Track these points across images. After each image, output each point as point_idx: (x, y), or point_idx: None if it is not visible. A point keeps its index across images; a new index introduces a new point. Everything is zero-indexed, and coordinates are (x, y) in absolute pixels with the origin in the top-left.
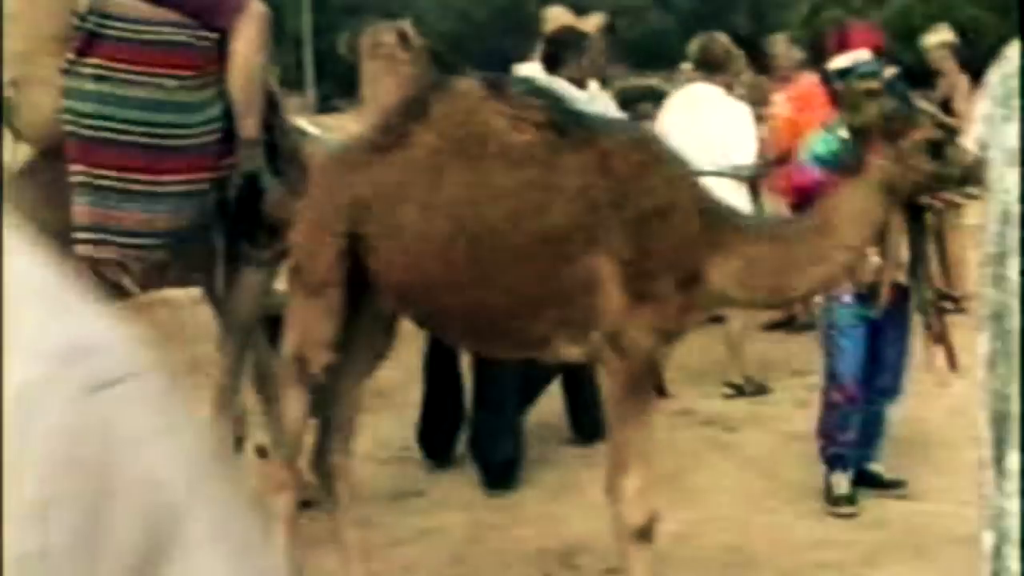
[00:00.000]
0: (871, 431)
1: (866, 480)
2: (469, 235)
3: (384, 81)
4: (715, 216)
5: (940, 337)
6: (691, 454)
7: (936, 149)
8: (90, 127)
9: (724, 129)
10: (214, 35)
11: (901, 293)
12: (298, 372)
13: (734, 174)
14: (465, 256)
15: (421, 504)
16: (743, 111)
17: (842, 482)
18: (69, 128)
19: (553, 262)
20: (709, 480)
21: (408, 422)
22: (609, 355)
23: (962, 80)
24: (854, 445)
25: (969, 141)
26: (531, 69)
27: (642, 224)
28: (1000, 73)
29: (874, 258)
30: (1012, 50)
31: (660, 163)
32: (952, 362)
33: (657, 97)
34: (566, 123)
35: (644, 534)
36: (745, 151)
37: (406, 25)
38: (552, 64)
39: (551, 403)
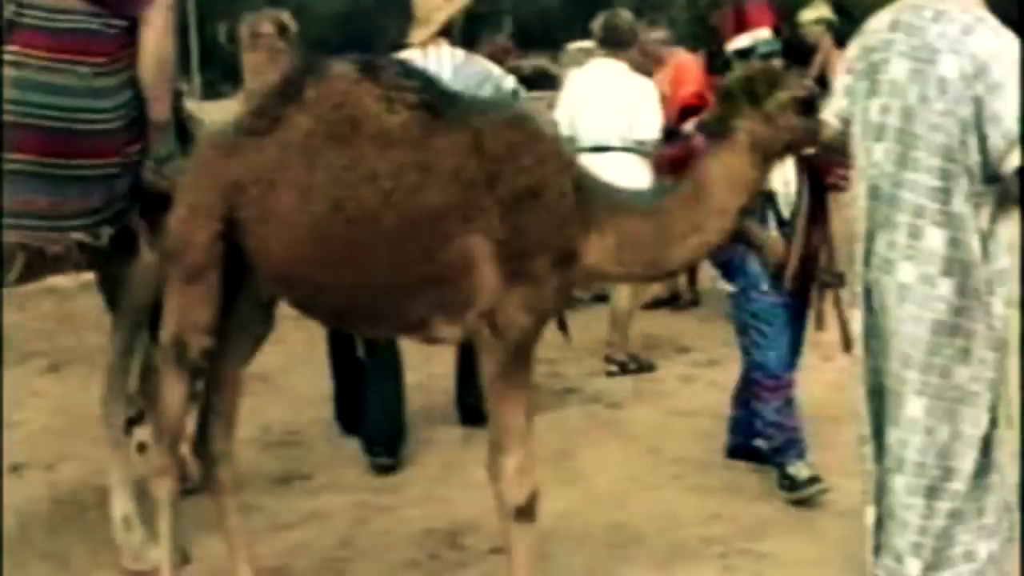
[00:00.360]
0: None
1: (752, 456)
2: (344, 217)
3: (265, 70)
4: (590, 193)
5: (824, 315)
6: (576, 432)
7: (806, 107)
8: (10, 112)
9: (631, 105)
10: (124, 23)
11: (803, 273)
12: (177, 357)
13: (639, 149)
14: (341, 238)
15: (306, 487)
16: (649, 86)
17: (802, 468)
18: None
19: (429, 243)
20: (594, 458)
21: (291, 406)
22: (485, 335)
23: (837, 56)
24: (800, 428)
25: (828, 114)
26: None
27: (516, 203)
28: (860, 45)
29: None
30: (875, 22)
31: (534, 142)
32: (846, 340)
33: (546, 77)
34: (440, 104)
35: (526, 513)
36: (651, 126)
37: (283, 15)
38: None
39: (436, 384)
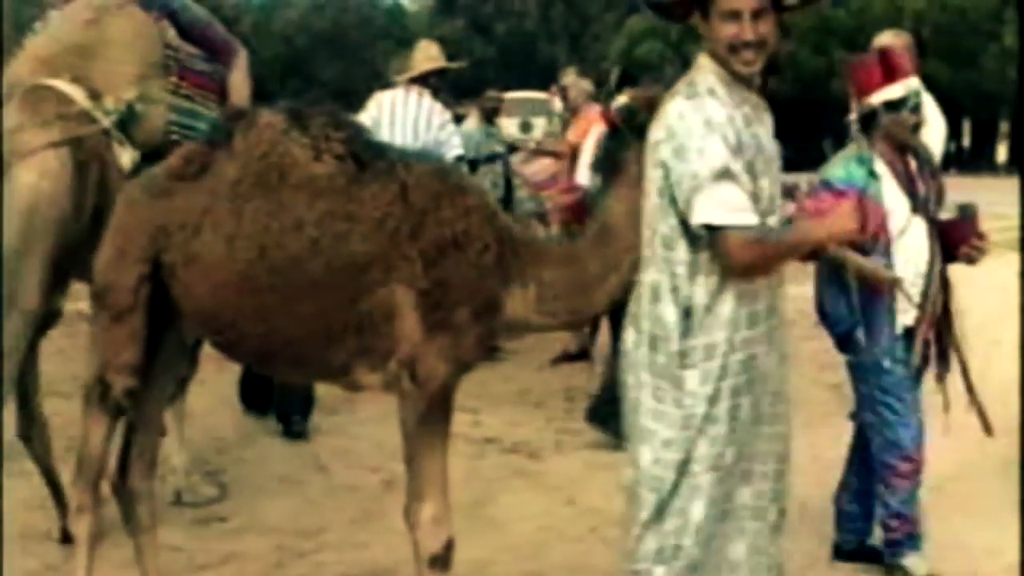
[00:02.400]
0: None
1: (867, 556)
2: (269, 264)
3: None
4: (511, 244)
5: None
6: (495, 481)
7: None
8: (185, 136)
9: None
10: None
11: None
12: (100, 396)
13: None
14: (265, 285)
15: (225, 528)
16: None
17: (920, 565)
18: (175, 137)
19: (352, 291)
20: (512, 507)
21: (212, 446)
22: (405, 383)
23: None
24: (920, 518)
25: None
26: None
27: (438, 254)
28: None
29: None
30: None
31: (457, 194)
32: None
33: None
34: (366, 154)
35: (441, 561)
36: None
37: None
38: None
39: (357, 428)
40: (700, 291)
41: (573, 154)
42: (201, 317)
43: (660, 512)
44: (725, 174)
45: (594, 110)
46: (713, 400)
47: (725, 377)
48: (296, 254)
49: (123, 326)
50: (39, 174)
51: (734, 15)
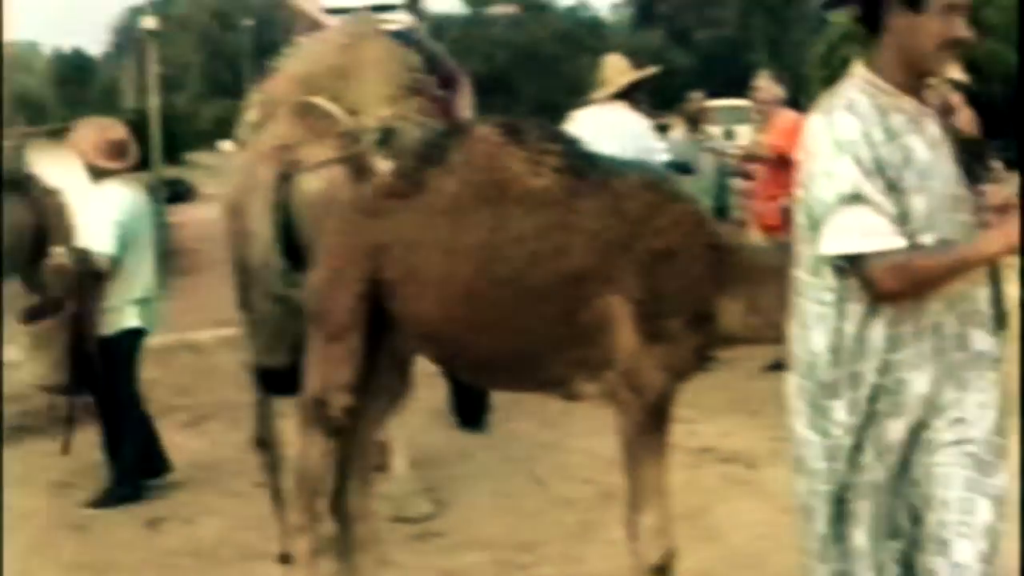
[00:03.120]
0: None
1: None
2: (490, 278)
3: None
4: (723, 254)
5: None
6: (712, 491)
7: None
8: None
9: None
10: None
11: None
12: (318, 415)
13: None
14: (486, 298)
15: (442, 544)
16: None
17: None
18: None
19: (571, 303)
20: (730, 517)
21: (428, 462)
22: (624, 394)
23: (966, 115)
24: None
25: None
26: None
27: (652, 264)
28: None
29: None
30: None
31: (670, 203)
32: None
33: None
34: (582, 166)
35: (661, 572)
36: None
37: None
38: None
39: (570, 442)
40: (849, 320)
41: (776, 159)
42: (422, 332)
43: (823, 542)
44: (856, 198)
45: (786, 116)
46: (860, 430)
47: (872, 404)
48: (517, 267)
49: (340, 345)
50: (328, 183)
51: (952, 8)
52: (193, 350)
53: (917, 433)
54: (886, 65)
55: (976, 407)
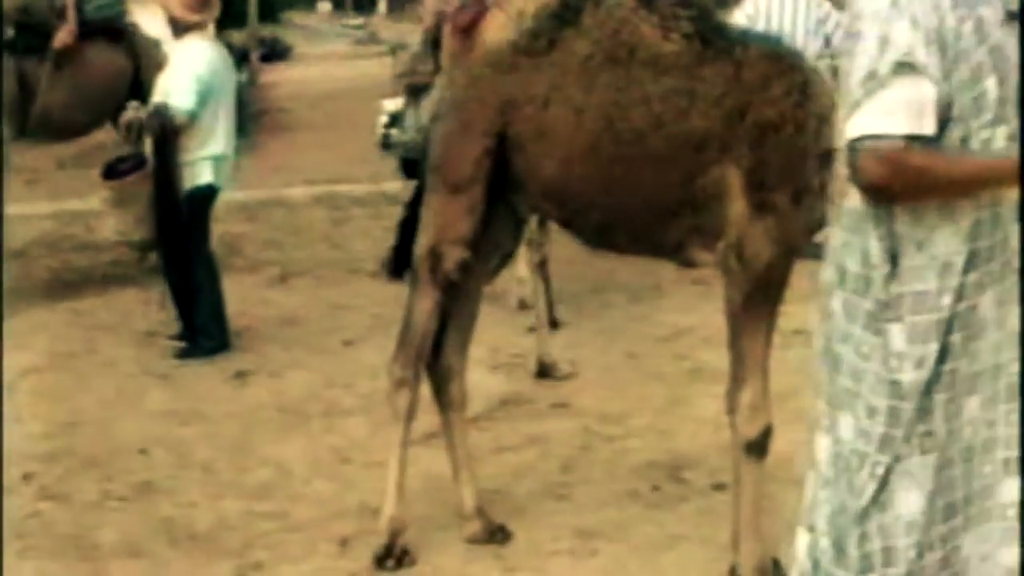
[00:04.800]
0: None
1: None
2: (616, 137)
3: None
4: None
5: None
6: (802, 373)
7: None
8: None
9: None
10: None
11: None
12: (431, 268)
13: None
14: (611, 158)
15: (531, 411)
16: None
17: None
18: None
19: (690, 168)
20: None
21: (520, 328)
22: (732, 264)
23: None
24: None
25: None
26: None
27: (762, 134)
28: None
29: None
30: None
31: (787, 75)
32: None
33: None
34: (710, 34)
35: (757, 448)
36: None
37: None
38: None
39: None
40: (906, 219)
41: None
42: (546, 190)
43: (864, 502)
44: (909, 68)
45: None
46: (922, 364)
47: (938, 336)
48: (641, 128)
49: (462, 198)
50: None
51: None
52: (284, 206)
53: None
54: None
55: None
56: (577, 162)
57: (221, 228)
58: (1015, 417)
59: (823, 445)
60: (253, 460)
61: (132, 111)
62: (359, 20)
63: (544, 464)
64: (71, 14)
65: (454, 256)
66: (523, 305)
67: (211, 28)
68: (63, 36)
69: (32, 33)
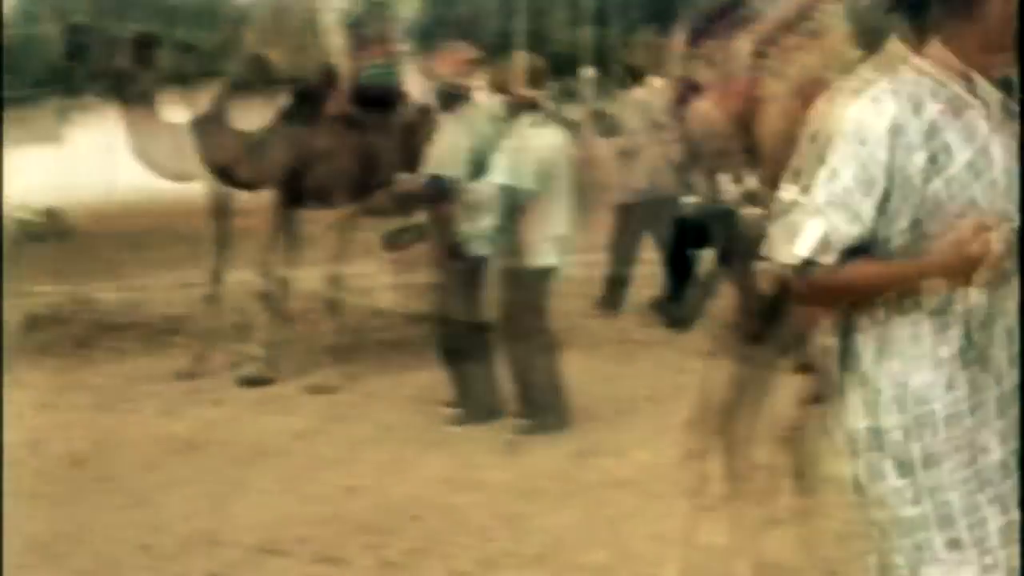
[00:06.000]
0: None
1: None
2: None
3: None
4: None
5: None
6: None
7: None
8: None
9: None
10: None
11: None
12: (734, 337)
13: None
14: None
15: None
16: None
17: None
18: None
19: None
20: None
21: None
22: None
23: None
24: None
25: None
26: None
27: None
28: None
29: None
30: None
31: None
32: None
33: None
34: None
35: None
36: None
37: None
38: None
39: None
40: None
41: None
42: None
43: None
44: (840, 207)
45: None
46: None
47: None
48: None
49: None
50: None
51: None
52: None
53: None
54: (948, 44)
55: None
56: None
57: (564, 303)
58: None
59: None
60: (528, 529)
61: (405, 181)
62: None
63: (818, 538)
64: (345, 81)
65: (755, 327)
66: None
67: (548, 103)
68: (338, 102)
69: (307, 99)
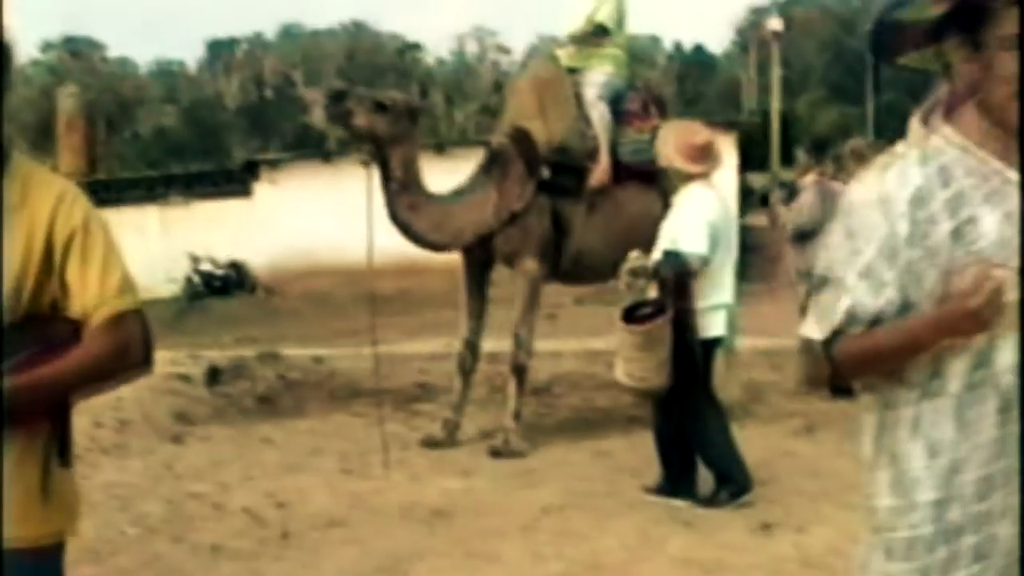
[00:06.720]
0: None
1: None
2: None
3: None
4: None
5: None
6: None
7: None
8: None
9: None
10: None
11: None
12: None
13: None
14: None
15: None
16: None
17: None
18: None
19: None
20: None
21: None
22: None
23: None
24: None
25: None
26: None
27: None
28: None
29: None
30: None
31: None
32: None
33: None
34: None
35: None
36: None
37: None
38: None
39: None
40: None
41: None
42: None
43: None
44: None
45: None
46: None
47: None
48: None
49: None
50: None
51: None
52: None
53: None
54: (961, 118)
55: None
56: None
57: (745, 375)
58: None
59: None
60: None
61: (635, 259)
62: None
63: None
64: (605, 156)
65: None
66: None
67: (728, 173)
68: (599, 177)
69: (568, 174)
